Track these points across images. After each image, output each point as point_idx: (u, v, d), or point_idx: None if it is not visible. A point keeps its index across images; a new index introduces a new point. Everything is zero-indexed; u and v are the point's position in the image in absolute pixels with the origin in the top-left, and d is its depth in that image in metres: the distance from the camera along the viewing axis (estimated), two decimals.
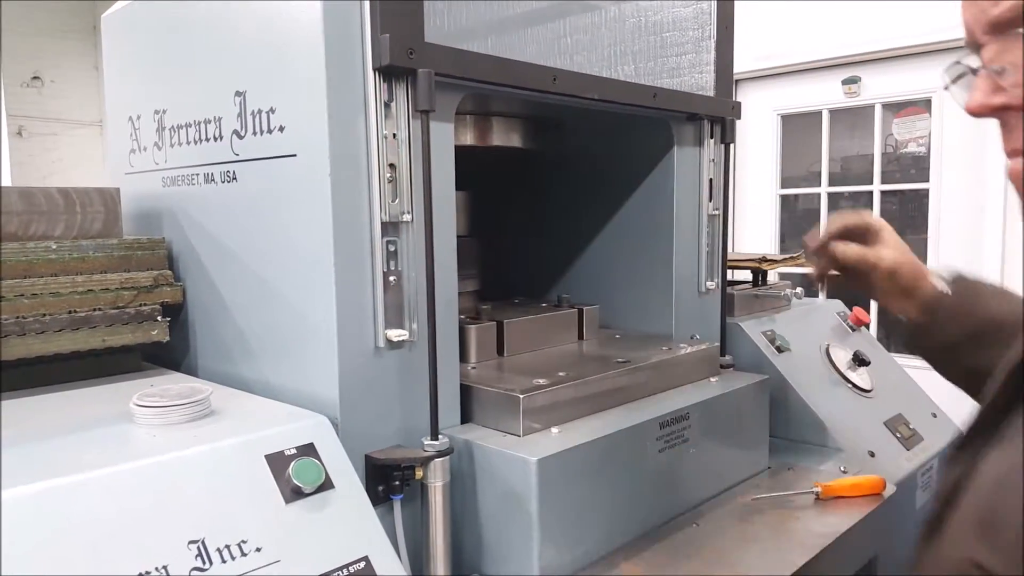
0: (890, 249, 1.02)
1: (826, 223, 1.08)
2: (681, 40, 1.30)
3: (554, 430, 0.97)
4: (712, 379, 1.24)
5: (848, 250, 1.01)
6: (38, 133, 5.74)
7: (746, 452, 1.24)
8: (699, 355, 1.25)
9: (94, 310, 0.97)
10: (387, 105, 0.86)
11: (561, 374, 1.05)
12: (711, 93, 1.35)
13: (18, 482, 0.63)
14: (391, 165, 0.87)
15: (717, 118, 1.37)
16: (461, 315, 1.04)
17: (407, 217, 0.89)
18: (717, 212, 1.41)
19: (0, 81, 4.47)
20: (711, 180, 1.39)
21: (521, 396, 0.95)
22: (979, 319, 0.98)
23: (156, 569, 0.63)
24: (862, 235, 1.05)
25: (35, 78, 5.64)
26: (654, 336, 1.35)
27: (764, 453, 1.29)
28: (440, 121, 0.92)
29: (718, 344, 1.35)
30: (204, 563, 0.65)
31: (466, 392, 1.01)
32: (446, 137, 0.94)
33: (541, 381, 1.01)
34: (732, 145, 1.41)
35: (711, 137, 1.38)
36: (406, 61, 0.85)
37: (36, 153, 5.67)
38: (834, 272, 1.05)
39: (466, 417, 1.01)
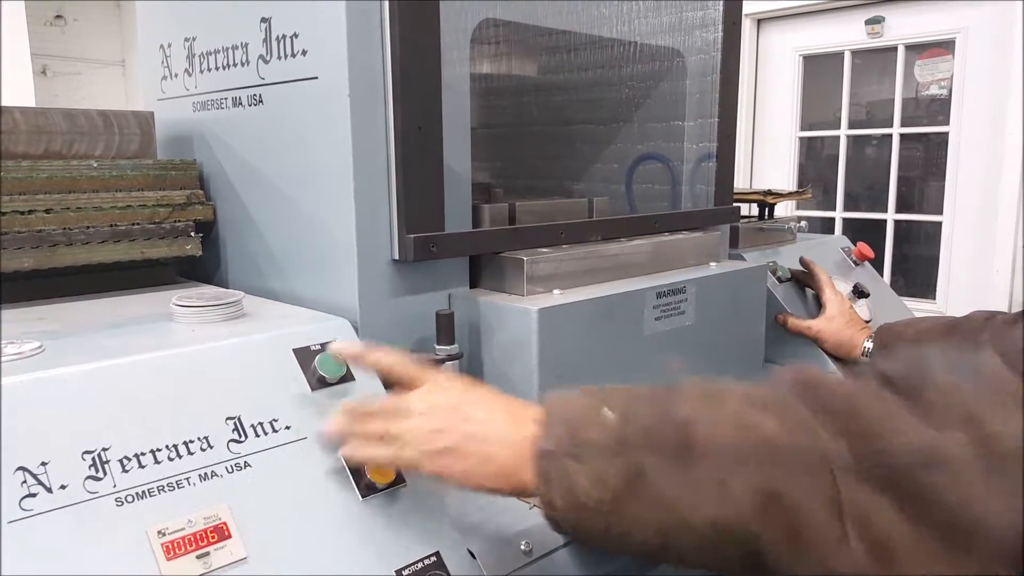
0: (825, 322, 1.40)
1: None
2: None
3: (556, 291, 1.04)
4: (712, 264, 1.30)
5: (789, 323, 1.44)
6: (62, 72, 5.81)
7: (742, 345, 1.30)
8: (701, 241, 1.30)
9: (133, 224, 1.05)
10: None
11: (565, 247, 1.11)
12: None
13: (72, 362, 0.71)
14: None
15: None
16: (476, 200, 1.07)
17: None
18: None
19: (24, 19, 4.51)
20: None
21: (526, 259, 1.02)
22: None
23: (198, 439, 0.72)
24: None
25: (58, 17, 5.67)
26: None
27: (760, 351, 1.34)
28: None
29: (719, 233, 1.38)
30: (240, 436, 0.74)
31: (475, 260, 1.06)
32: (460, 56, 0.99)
33: (545, 250, 1.08)
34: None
35: None
36: None
37: (60, 92, 5.74)
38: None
39: (474, 284, 1.07)
